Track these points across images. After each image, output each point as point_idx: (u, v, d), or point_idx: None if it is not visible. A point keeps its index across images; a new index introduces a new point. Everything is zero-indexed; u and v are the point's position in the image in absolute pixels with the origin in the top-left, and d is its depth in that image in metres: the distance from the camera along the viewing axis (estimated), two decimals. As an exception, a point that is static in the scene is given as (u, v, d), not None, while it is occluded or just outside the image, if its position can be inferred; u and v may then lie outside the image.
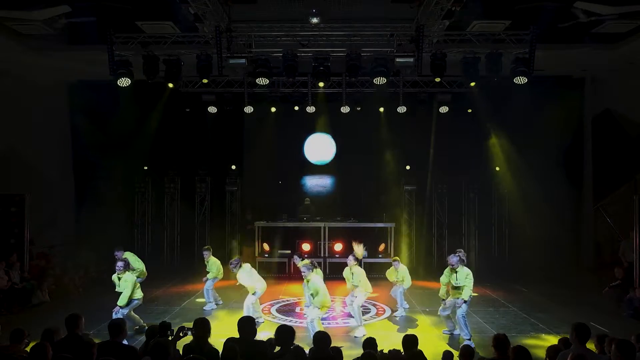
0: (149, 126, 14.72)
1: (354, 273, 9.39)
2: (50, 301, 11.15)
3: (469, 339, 8.07)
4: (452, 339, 8.52)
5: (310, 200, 15.69)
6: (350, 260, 9.50)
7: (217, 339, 5.33)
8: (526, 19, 10.12)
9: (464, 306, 8.24)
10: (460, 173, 15.76)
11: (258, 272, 10.18)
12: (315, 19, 10.11)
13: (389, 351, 5.71)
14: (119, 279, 8.63)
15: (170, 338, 5.36)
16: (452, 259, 8.43)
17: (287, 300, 11.35)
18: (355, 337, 8.71)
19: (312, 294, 8.49)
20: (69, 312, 5.68)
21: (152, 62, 10.73)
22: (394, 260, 10.60)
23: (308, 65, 11.17)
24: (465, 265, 8.47)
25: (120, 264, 8.78)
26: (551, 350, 5.53)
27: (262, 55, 10.94)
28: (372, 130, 15.68)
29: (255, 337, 5.51)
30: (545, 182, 13.65)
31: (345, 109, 14.36)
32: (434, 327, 9.39)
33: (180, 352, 5.21)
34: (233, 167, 16.01)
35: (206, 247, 11.40)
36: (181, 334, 5.39)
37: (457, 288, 8.35)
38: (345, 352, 5.72)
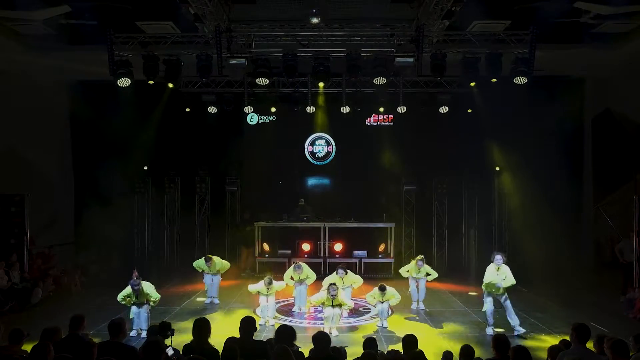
0: (149, 126, 14.72)
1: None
2: (50, 301, 11.15)
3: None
4: (452, 340, 8.50)
5: (308, 201, 15.64)
6: None
7: (217, 339, 5.33)
8: (526, 19, 10.13)
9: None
10: (460, 173, 15.74)
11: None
12: (315, 19, 10.12)
13: (389, 351, 5.71)
14: (138, 290, 8.27)
15: (169, 339, 5.36)
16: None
17: (287, 301, 11.33)
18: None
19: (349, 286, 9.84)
20: (69, 312, 5.69)
21: (152, 62, 10.74)
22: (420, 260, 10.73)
23: (308, 65, 11.17)
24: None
25: (135, 280, 8.32)
26: (553, 350, 5.53)
27: (262, 55, 10.94)
28: (372, 131, 15.66)
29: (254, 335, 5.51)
30: (545, 182, 13.62)
31: (345, 109, 14.37)
32: (434, 327, 9.38)
33: (180, 352, 5.20)
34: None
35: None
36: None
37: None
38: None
